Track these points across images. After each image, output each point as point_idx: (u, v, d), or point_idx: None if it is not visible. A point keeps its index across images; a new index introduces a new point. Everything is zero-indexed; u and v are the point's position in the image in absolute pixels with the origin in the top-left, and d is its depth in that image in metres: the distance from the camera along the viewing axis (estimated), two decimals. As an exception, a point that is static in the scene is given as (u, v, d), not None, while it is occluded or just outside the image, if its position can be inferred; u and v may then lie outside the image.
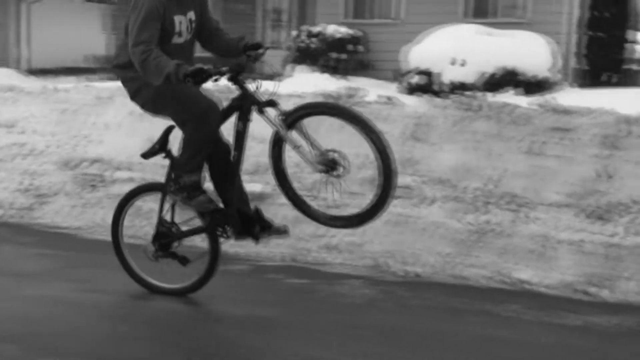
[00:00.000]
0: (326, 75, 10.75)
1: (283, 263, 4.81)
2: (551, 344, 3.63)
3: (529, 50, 10.45)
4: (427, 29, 10.53)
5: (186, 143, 3.92)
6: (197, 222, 4.06)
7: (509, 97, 7.70)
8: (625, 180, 5.17)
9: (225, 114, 3.93)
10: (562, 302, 4.25)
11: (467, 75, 10.10)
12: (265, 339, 3.58)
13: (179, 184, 3.95)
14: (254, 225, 3.96)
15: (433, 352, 3.50)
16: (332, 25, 12.06)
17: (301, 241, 4.92)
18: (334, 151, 3.74)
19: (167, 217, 4.08)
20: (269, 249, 4.78)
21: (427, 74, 10.17)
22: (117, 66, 3.98)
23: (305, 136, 3.76)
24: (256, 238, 3.97)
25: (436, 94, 9.20)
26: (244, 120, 3.90)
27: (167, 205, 4.05)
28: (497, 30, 10.59)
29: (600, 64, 11.75)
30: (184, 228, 4.08)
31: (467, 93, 8.35)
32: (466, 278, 4.58)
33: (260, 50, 3.95)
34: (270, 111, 3.75)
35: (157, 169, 6.32)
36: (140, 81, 3.84)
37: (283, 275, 4.61)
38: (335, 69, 11.60)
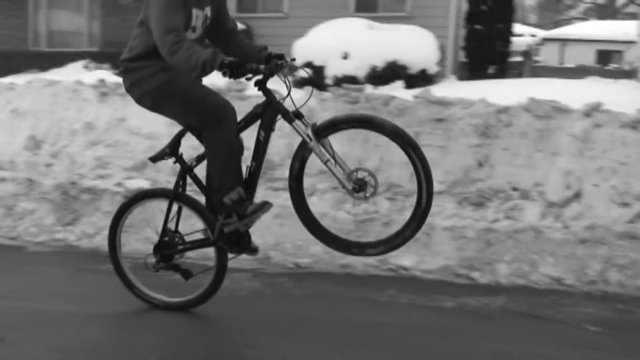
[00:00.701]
0: (212, 70, 10.68)
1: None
2: (425, 326, 3.77)
3: (414, 44, 10.67)
4: (316, 23, 10.62)
5: (210, 156, 3.62)
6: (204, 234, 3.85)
7: (394, 90, 7.87)
8: (498, 167, 5.39)
9: (247, 122, 3.67)
10: (439, 286, 4.43)
11: (353, 68, 10.22)
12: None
13: (225, 210, 3.61)
14: (249, 238, 3.76)
15: (311, 338, 3.56)
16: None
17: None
18: (363, 170, 3.49)
19: (171, 226, 3.85)
20: (145, 245, 4.70)
21: (314, 67, 10.25)
22: (125, 60, 3.65)
23: (331, 152, 3.49)
24: (254, 251, 3.79)
25: (323, 87, 9.29)
26: (266, 129, 3.62)
27: (172, 214, 3.82)
28: (383, 25, 10.79)
29: (482, 57, 12.15)
30: (188, 239, 3.85)
31: (353, 86, 8.48)
32: (349, 267, 4.67)
33: (285, 62, 3.63)
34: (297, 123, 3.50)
35: (34, 168, 6.16)
36: (142, 72, 3.60)
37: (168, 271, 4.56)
38: (221, 64, 11.45)
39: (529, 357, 3.40)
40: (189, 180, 3.80)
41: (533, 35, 27.87)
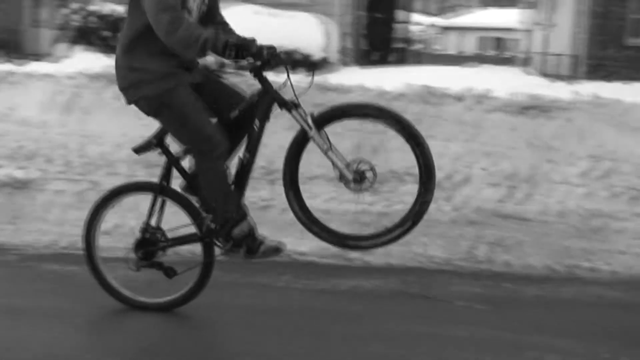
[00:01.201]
0: (100, 55, 10.36)
1: (51, 251, 4.63)
2: (321, 309, 3.82)
3: (306, 31, 10.71)
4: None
5: (204, 182, 3.50)
6: (189, 229, 3.66)
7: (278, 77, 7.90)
8: (390, 153, 5.49)
9: (241, 112, 3.50)
10: (334, 270, 4.47)
11: (245, 55, 10.18)
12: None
13: (232, 241, 3.50)
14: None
15: (202, 324, 3.58)
16: (109, 4, 11.63)
17: (66, 226, 4.76)
18: (362, 161, 3.43)
19: (152, 222, 3.66)
20: (34, 237, 4.57)
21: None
22: (124, 55, 3.43)
23: (329, 142, 3.40)
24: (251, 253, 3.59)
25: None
26: (262, 118, 3.50)
27: (155, 209, 3.64)
28: (276, 11, 10.77)
29: (376, 44, 12.39)
30: (171, 235, 3.68)
31: (231, 72, 8.38)
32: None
33: (281, 52, 3.48)
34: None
35: None
36: (143, 75, 3.39)
37: (52, 262, 4.44)
38: (114, 48, 11.18)
39: (423, 337, 3.50)
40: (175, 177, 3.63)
41: (432, 25, 28.62)
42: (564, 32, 16.81)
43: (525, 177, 5.25)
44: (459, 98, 5.68)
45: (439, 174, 5.24)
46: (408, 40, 18.30)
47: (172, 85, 3.40)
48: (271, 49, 3.33)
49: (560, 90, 6.80)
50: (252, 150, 3.50)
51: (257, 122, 3.49)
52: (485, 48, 31.96)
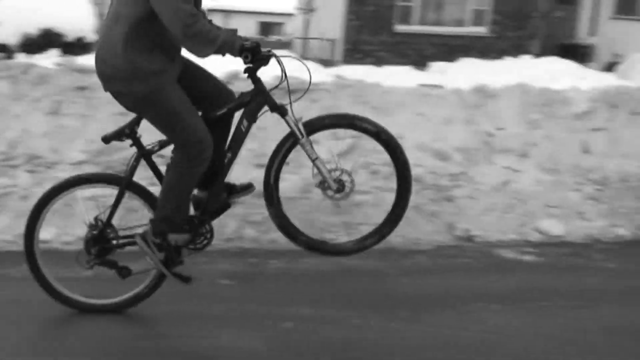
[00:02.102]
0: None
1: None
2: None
3: (71, 11, 10.29)
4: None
5: (171, 190, 3.37)
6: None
7: (50, 58, 7.52)
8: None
9: (230, 110, 3.46)
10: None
11: (5, 36, 9.59)
12: None
13: (162, 241, 3.41)
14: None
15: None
16: None
17: None
18: (344, 171, 3.55)
19: (103, 217, 3.47)
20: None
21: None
22: (113, 40, 3.21)
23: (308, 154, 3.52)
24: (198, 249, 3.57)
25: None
26: (249, 119, 3.46)
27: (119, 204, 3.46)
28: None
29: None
30: (122, 233, 3.50)
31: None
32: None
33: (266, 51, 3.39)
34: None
35: None
36: (134, 69, 3.19)
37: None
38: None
39: (185, 317, 3.61)
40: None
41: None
42: (332, 16, 17.42)
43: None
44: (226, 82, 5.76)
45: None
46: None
47: (161, 86, 3.27)
48: (270, 52, 3.37)
49: (315, 74, 7.09)
50: (234, 149, 3.48)
51: (245, 122, 3.46)
52: (250, 32, 32.49)
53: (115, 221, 3.54)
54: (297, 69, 3.71)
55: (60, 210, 3.99)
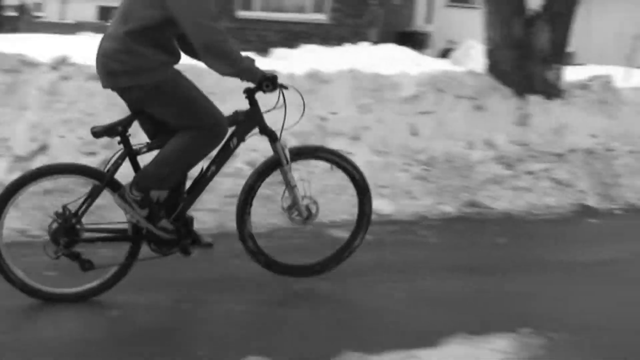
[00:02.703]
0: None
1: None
2: None
3: None
4: None
5: (176, 153, 3.49)
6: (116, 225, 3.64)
7: None
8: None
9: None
10: None
11: None
12: None
13: (144, 198, 3.49)
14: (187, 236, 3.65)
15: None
16: None
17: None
18: (312, 201, 3.88)
19: (72, 207, 3.50)
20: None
21: None
22: (129, 35, 3.33)
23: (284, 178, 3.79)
24: (186, 252, 3.69)
25: None
26: (240, 138, 3.68)
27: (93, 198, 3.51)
28: None
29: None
30: (94, 226, 3.58)
31: None
32: None
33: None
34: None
35: None
36: (142, 61, 3.34)
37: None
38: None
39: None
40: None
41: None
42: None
43: (105, 143, 5.31)
44: (53, 67, 5.52)
45: (30, 146, 5.10)
46: (15, 8, 17.23)
47: (169, 76, 3.44)
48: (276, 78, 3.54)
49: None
50: (219, 164, 3.66)
51: (234, 140, 3.65)
52: (88, 17, 31.41)
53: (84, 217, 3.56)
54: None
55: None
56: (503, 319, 3.76)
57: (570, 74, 7.78)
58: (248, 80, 3.55)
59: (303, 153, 3.98)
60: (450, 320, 3.71)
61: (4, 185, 3.61)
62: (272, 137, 3.74)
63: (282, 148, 3.74)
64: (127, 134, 3.53)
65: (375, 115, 6.25)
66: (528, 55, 6.86)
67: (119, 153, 3.56)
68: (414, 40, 15.80)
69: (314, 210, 3.90)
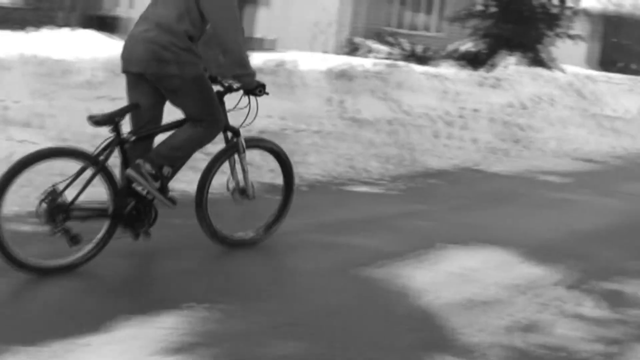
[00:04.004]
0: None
1: None
2: None
3: None
4: None
5: (188, 141, 4.15)
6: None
7: None
8: None
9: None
10: None
11: None
12: None
13: (159, 173, 4.05)
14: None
15: None
16: None
17: None
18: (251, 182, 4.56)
19: (61, 187, 3.80)
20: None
21: None
22: (180, 33, 4.00)
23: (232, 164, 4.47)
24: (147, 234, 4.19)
25: None
26: None
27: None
28: None
29: None
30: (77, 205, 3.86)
31: None
32: None
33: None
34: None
35: None
36: (188, 57, 4.02)
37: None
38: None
39: None
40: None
41: None
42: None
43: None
44: None
45: None
46: None
47: (203, 72, 4.14)
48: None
49: None
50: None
51: None
52: None
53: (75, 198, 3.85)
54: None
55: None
56: (174, 297, 3.83)
57: (260, 60, 8.13)
58: (246, 83, 4.20)
59: (251, 144, 4.57)
60: (119, 304, 3.71)
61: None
62: (236, 133, 4.40)
63: (242, 140, 4.42)
64: (120, 124, 3.93)
65: (55, 101, 6.02)
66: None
67: (110, 140, 3.95)
68: (115, 25, 15.42)
69: (251, 191, 4.57)
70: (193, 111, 4.16)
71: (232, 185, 4.49)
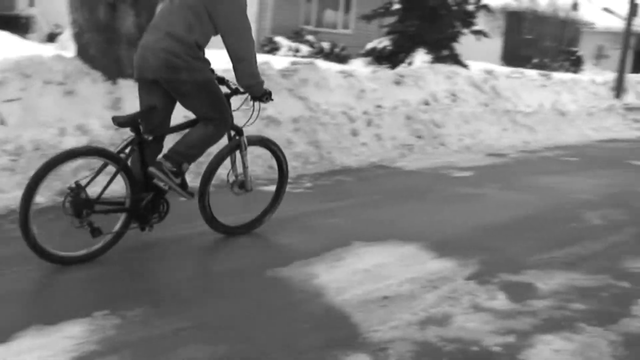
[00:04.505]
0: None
1: None
2: None
3: None
4: None
5: (201, 140, 4.52)
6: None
7: None
8: None
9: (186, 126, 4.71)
10: None
11: None
12: None
13: (179, 169, 4.49)
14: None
15: None
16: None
17: None
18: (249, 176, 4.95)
19: (83, 183, 4.10)
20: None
21: None
22: (190, 43, 4.31)
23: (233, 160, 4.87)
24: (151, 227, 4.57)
25: None
26: None
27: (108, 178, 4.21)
28: None
29: None
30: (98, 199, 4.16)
31: None
32: None
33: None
34: None
35: None
36: (197, 64, 4.36)
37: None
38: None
39: None
40: None
41: None
42: None
43: None
44: None
45: None
46: None
47: (212, 77, 4.53)
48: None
49: None
50: None
51: None
52: None
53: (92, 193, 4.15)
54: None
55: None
56: (78, 306, 3.71)
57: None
58: (254, 92, 4.56)
59: (253, 142, 4.97)
60: (23, 315, 3.58)
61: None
62: (239, 132, 4.80)
63: (244, 139, 4.81)
64: (140, 124, 4.31)
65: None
66: (114, 39, 6.83)
67: (131, 139, 4.32)
68: (17, 24, 14.87)
69: (250, 185, 4.98)
70: (203, 112, 4.54)
71: (232, 178, 4.89)
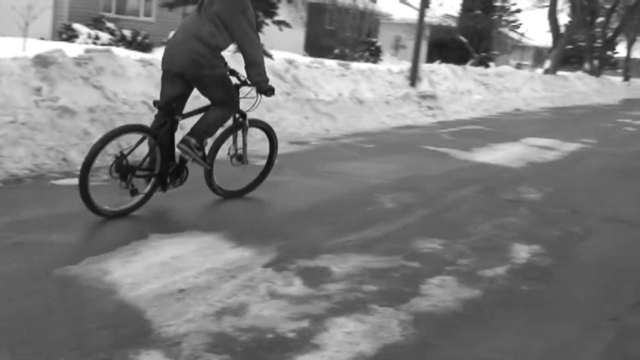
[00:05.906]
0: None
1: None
2: None
3: None
4: None
5: (218, 119, 5.75)
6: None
7: None
8: None
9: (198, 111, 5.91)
10: None
11: None
12: None
13: (201, 145, 5.70)
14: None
15: None
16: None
17: None
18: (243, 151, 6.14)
19: (125, 152, 5.19)
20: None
21: None
22: (214, 47, 5.55)
23: (235, 137, 6.13)
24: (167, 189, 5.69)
25: None
26: None
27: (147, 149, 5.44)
28: None
29: None
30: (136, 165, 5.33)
31: None
32: None
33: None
34: None
35: None
36: (216, 61, 5.59)
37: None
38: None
39: None
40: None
41: None
42: None
43: None
44: None
45: None
46: None
47: (226, 71, 5.71)
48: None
49: None
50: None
51: None
52: None
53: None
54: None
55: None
56: None
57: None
58: (260, 88, 5.68)
59: (255, 121, 6.32)
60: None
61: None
62: (243, 115, 5.99)
63: (246, 121, 6.02)
64: (173, 106, 5.48)
65: None
66: None
67: (166, 120, 5.48)
68: None
69: (246, 158, 6.20)
70: (219, 98, 5.71)
71: (232, 152, 6.08)
